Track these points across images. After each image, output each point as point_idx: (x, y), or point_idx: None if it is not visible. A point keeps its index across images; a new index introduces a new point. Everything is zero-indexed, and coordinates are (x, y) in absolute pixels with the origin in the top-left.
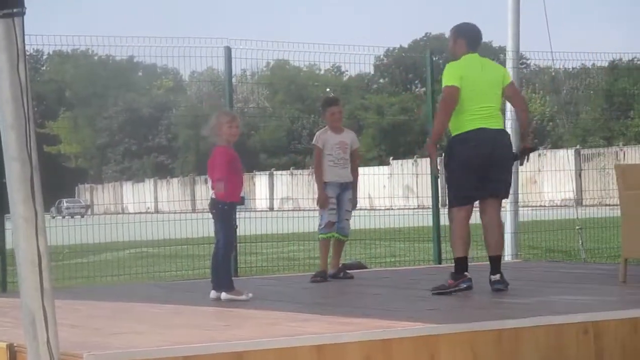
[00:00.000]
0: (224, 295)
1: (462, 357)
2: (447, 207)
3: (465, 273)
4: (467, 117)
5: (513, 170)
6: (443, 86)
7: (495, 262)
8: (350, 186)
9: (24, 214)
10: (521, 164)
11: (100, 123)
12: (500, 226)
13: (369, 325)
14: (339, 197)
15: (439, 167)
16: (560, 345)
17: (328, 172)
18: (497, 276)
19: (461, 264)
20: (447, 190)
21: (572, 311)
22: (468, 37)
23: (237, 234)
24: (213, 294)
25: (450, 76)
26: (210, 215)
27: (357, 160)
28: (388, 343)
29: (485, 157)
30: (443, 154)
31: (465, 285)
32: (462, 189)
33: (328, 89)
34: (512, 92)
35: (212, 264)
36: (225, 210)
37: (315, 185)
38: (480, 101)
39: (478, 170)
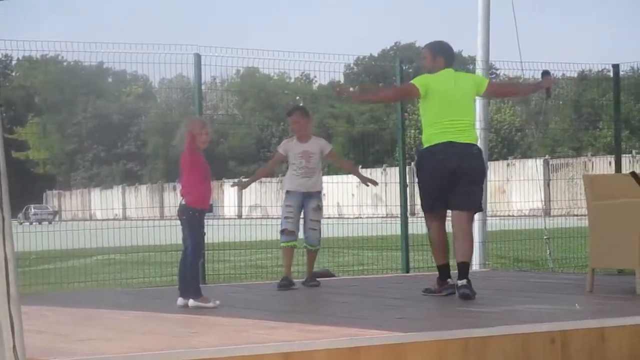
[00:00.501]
0: (191, 302)
1: None
2: (415, 216)
3: (448, 280)
4: (437, 130)
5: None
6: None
7: (463, 268)
8: (316, 195)
9: None
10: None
11: (69, 129)
12: (468, 236)
13: (337, 333)
14: (303, 207)
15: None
16: (527, 355)
17: (290, 181)
18: (464, 281)
19: (442, 271)
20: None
21: (539, 320)
22: (446, 55)
23: (205, 241)
24: (180, 301)
25: (417, 80)
26: (179, 222)
27: (337, 157)
28: (356, 351)
29: (452, 170)
30: (413, 164)
31: (446, 293)
32: (427, 198)
33: (298, 97)
34: (493, 89)
35: (179, 270)
36: (195, 217)
37: (282, 193)
38: (450, 115)
39: (444, 182)
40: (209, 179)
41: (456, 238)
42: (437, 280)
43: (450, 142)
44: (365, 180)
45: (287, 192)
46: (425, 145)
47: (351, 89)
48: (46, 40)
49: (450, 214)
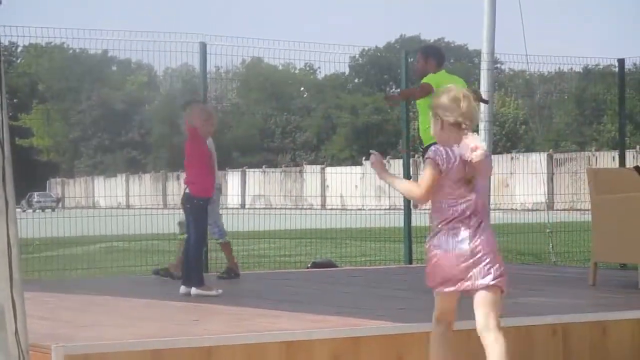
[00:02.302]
0: (194, 290)
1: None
2: (418, 208)
3: None
4: None
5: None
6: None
7: None
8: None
9: None
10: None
11: (74, 117)
12: None
13: (339, 323)
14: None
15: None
16: (530, 346)
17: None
18: None
19: None
20: None
21: (542, 313)
22: (437, 57)
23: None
24: (183, 289)
25: (428, 79)
26: (182, 211)
27: None
28: (357, 341)
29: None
30: (417, 156)
31: None
32: None
33: (302, 88)
34: None
35: (184, 259)
36: (199, 206)
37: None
38: None
39: None
40: (215, 167)
41: None
42: None
43: None
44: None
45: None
46: (430, 142)
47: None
48: (52, 27)
49: None
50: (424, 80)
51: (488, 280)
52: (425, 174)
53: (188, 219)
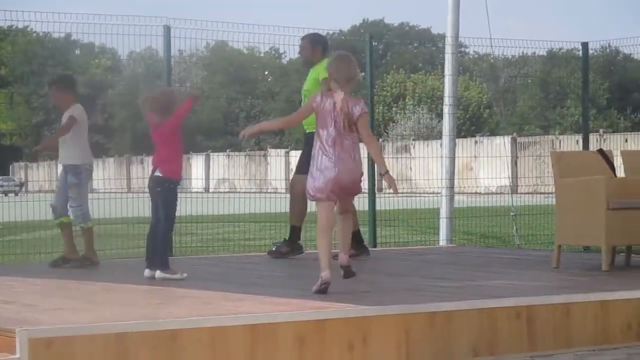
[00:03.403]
0: (158, 273)
1: (395, 339)
2: (382, 192)
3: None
4: None
5: (449, 156)
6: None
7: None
8: (70, 169)
9: None
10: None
11: (37, 101)
12: None
13: (303, 306)
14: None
15: None
16: (493, 329)
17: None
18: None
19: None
20: None
21: (505, 295)
22: (323, 46)
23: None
24: (147, 272)
25: (318, 71)
26: (143, 195)
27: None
28: (321, 324)
29: None
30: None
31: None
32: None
33: (266, 72)
34: None
35: (148, 242)
36: (171, 189)
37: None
38: None
39: None
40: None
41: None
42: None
43: None
44: None
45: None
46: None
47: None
48: (15, 10)
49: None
50: (313, 72)
51: None
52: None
53: (156, 202)
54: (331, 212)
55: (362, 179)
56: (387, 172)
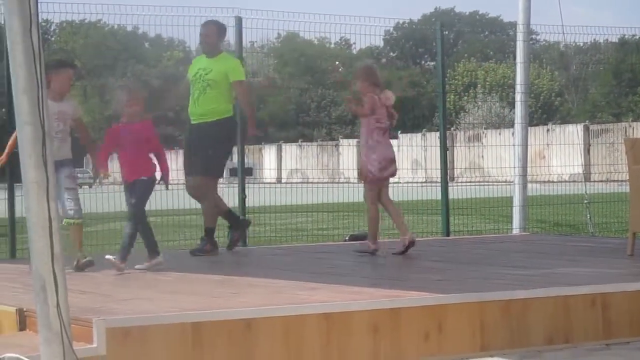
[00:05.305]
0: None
1: (470, 326)
2: (454, 180)
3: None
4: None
5: (521, 144)
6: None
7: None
8: (67, 163)
9: (35, 179)
10: None
11: (109, 94)
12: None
13: (377, 295)
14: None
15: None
16: (568, 316)
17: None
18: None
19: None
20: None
21: (580, 283)
22: (224, 35)
23: (246, 204)
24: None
25: (226, 60)
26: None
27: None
28: (396, 312)
29: None
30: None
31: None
32: (224, 165)
33: (337, 62)
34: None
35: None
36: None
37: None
38: None
39: None
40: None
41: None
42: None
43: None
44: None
45: None
46: (229, 115)
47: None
48: (85, 3)
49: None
50: (220, 65)
51: None
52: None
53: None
54: None
55: None
56: None
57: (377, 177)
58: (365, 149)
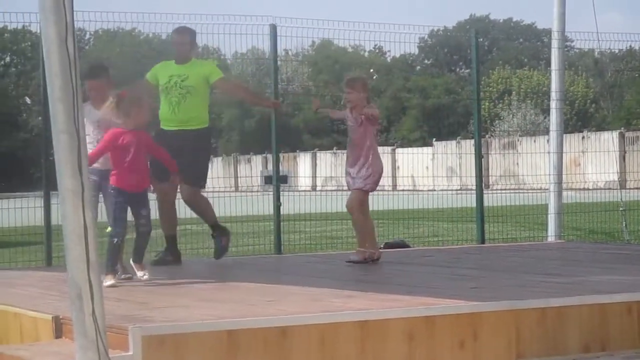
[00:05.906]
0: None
1: (505, 335)
2: (490, 188)
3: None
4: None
5: (556, 151)
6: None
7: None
8: (106, 174)
9: (71, 187)
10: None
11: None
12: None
13: (412, 303)
14: (101, 189)
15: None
16: (604, 324)
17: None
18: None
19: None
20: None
21: (616, 290)
22: (196, 40)
23: (281, 212)
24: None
25: (198, 66)
26: (251, 194)
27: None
28: (431, 320)
29: None
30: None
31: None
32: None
33: (372, 70)
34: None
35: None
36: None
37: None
38: None
39: None
40: None
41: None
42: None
43: None
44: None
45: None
46: (208, 125)
47: None
48: (119, 12)
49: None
50: (198, 69)
51: None
52: None
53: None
54: None
55: None
56: None
57: (373, 189)
58: (373, 157)
